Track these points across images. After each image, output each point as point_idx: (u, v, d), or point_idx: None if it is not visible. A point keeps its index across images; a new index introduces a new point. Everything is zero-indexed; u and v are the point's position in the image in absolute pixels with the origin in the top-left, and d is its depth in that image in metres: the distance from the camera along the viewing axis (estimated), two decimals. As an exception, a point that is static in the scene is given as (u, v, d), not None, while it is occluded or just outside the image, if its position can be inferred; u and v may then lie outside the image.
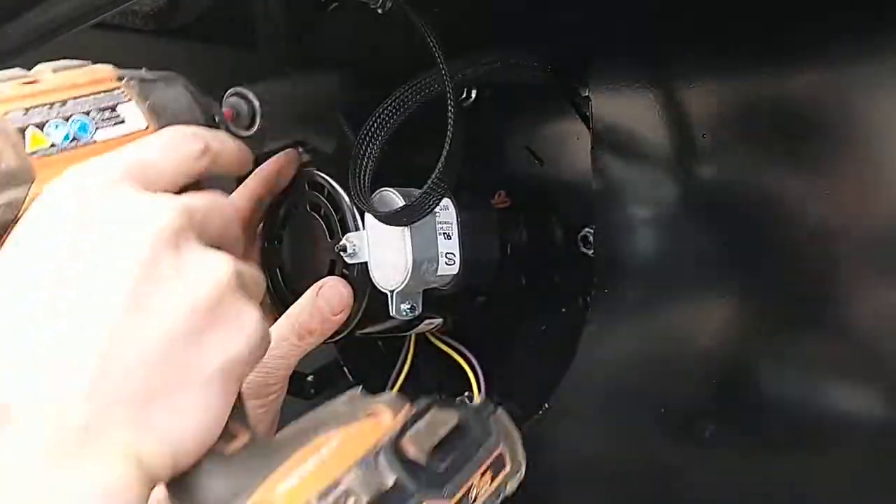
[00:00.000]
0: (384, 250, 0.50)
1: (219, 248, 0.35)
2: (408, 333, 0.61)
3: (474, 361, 0.60)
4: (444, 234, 0.52)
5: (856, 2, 0.42)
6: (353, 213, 0.51)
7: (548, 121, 0.59)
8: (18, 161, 0.34)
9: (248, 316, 0.34)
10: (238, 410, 0.35)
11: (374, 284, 0.51)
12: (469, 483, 0.36)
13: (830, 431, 0.45)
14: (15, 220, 0.34)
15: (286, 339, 0.50)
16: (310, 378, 0.75)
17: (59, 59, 0.40)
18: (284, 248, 0.56)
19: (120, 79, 0.39)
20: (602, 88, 0.53)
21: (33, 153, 0.35)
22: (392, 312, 0.51)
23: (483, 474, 0.38)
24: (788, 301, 0.46)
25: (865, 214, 0.43)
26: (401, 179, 0.52)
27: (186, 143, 0.37)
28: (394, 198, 0.51)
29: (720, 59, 0.48)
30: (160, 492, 0.32)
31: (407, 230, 0.50)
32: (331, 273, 0.53)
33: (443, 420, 0.37)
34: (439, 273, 0.52)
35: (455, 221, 0.52)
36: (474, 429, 0.39)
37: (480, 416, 0.39)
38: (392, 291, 0.51)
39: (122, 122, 0.38)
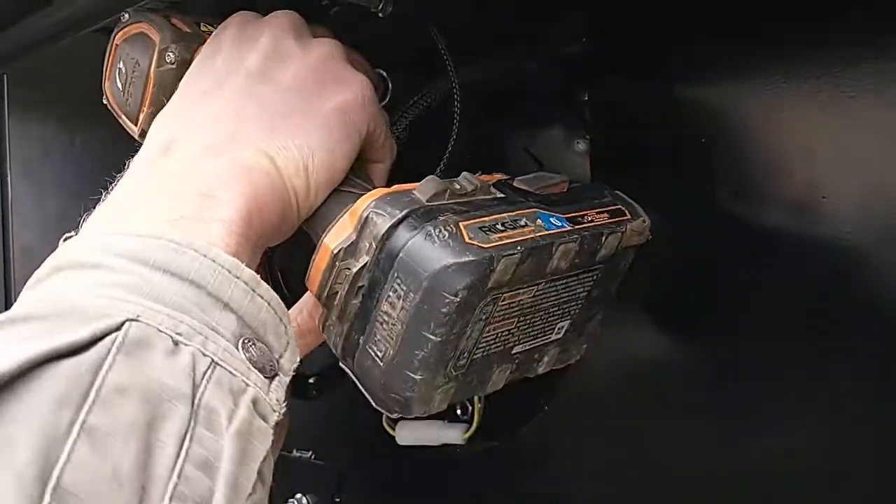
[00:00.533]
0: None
1: None
2: None
3: None
4: None
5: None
6: None
7: (547, 123, 0.60)
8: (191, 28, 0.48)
9: (355, 77, 0.45)
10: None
11: None
12: (582, 213, 0.43)
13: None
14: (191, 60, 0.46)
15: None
16: (312, 380, 0.75)
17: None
18: (283, 251, 0.56)
19: None
20: (600, 92, 0.53)
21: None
22: None
23: (599, 213, 0.44)
24: (788, 297, 0.46)
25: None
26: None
27: None
28: None
29: (720, 61, 0.48)
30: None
31: None
32: None
33: (551, 176, 0.45)
34: None
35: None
36: (587, 189, 0.46)
37: (594, 185, 0.47)
38: None
39: None
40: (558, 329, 0.46)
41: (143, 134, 0.45)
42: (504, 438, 0.58)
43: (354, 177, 0.44)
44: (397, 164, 0.51)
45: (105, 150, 0.79)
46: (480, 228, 0.38)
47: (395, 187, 0.41)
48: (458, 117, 0.50)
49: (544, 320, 0.44)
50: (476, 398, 0.60)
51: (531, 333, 0.44)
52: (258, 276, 0.36)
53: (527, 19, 0.57)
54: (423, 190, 0.40)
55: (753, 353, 0.47)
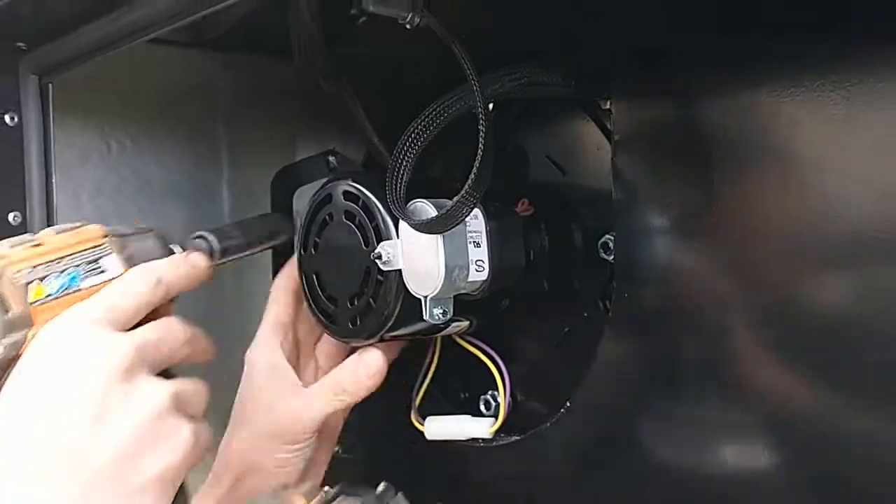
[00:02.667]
0: (418, 258, 0.53)
1: (168, 366, 0.49)
2: (435, 335, 0.64)
3: (500, 361, 0.63)
4: (473, 242, 0.54)
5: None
6: (387, 221, 0.54)
7: (569, 132, 0.62)
8: (21, 310, 0.48)
9: (182, 432, 0.46)
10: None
11: (407, 290, 0.54)
12: None
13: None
14: (17, 356, 0.46)
15: (324, 393, 0.58)
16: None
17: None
18: (320, 255, 0.59)
19: (105, 236, 0.52)
20: (622, 101, 0.55)
21: (34, 303, 0.48)
22: (425, 317, 0.54)
23: None
24: (803, 315, 0.47)
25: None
26: (430, 191, 0.55)
27: (142, 281, 0.50)
28: (426, 208, 0.54)
29: (739, 72, 0.50)
30: None
31: (440, 238, 0.52)
32: (366, 279, 0.55)
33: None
34: (470, 279, 0.54)
35: (484, 230, 0.55)
36: None
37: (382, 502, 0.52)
38: (426, 297, 0.53)
39: (104, 271, 0.51)
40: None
41: None
42: (527, 433, 0.61)
43: None
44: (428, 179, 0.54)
45: (138, 157, 0.82)
46: None
47: None
48: (485, 131, 0.51)
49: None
50: (501, 394, 0.62)
51: None
52: None
53: (550, 33, 0.59)
54: None
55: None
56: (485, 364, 0.63)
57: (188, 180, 0.86)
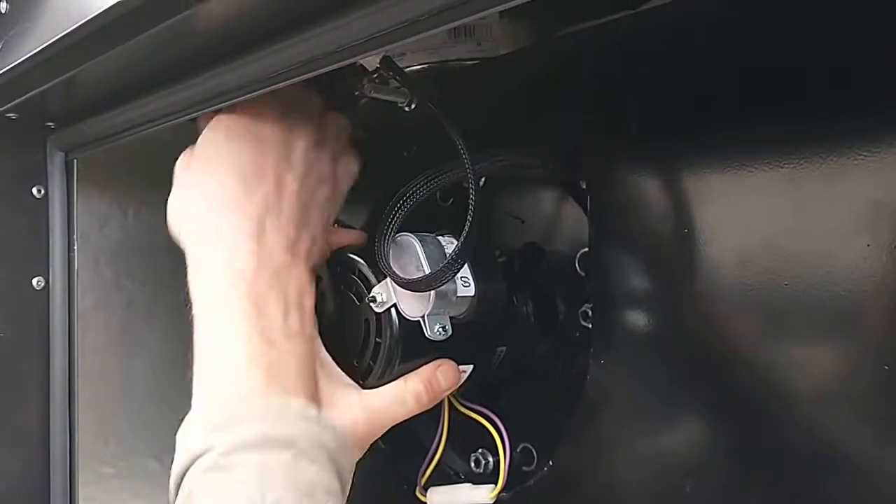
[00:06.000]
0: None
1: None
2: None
3: (500, 425, 0.67)
4: None
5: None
6: (371, 273, 0.61)
7: (549, 206, 0.67)
8: None
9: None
10: None
11: (406, 318, 0.59)
12: None
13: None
14: None
15: (402, 399, 0.59)
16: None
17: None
18: (323, 323, 0.63)
19: None
20: (597, 181, 0.61)
21: None
22: (427, 334, 0.59)
23: None
24: (778, 372, 0.51)
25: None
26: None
27: None
28: (412, 242, 0.60)
29: (711, 154, 0.54)
30: None
31: (425, 261, 0.59)
32: (367, 335, 0.60)
33: None
34: (459, 294, 0.60)
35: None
36: None
37: None
38: (423, 317, 0.59)
39: None
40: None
41: None
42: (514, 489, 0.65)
43: None
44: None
45: (152, 219, 0.88)
46: None
47: None
48: (474, 204, 0.56)
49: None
50: (502, 457, 0.66)
51: None
52: None
53: (534, 118, 0.65)
54: None
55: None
56: (472, 422, 0.68)
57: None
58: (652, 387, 0.57)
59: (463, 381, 0.63)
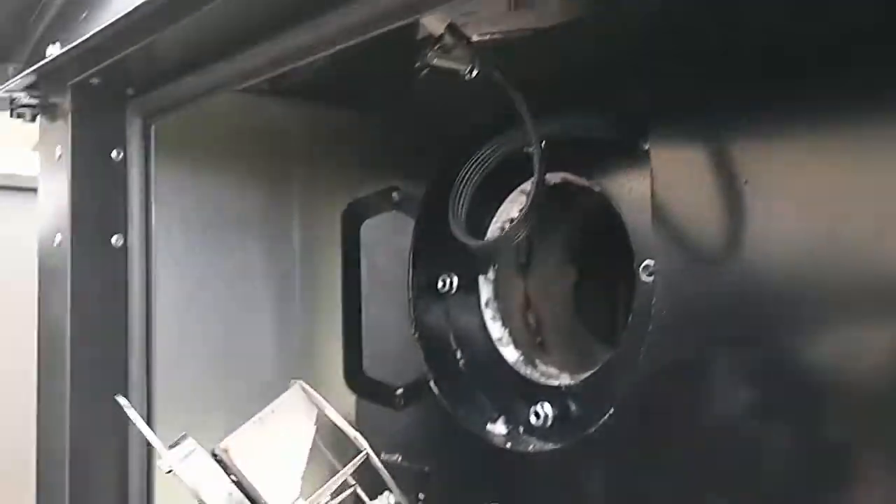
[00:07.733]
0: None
1: None
2: None
3: None
4: None
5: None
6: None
7: (614, 166, 0.68)
8: None
9: None
10: None
11: None
12: None
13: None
14: None
15: None
16: (399, 392, 0.85)
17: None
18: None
19: None
20: (660, 142, 0.61)
21: None
22: None
23: None
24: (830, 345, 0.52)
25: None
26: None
27: None
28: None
29: (771, 118, 0.55)
30: None
31: None
32: None
33: None
34: None
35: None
36: None
37: None
38: None
39: None
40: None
41: None
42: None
43: None
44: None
45: (225, 189, 0.91)
46: None
47: None
48: (540, 170, 0.58)
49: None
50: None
51: None
52: None
53: (598, 81, 0.66)
54: None
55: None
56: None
57: (261, 217, 0.95)
58: (712, 342, 0.58)
59: None
